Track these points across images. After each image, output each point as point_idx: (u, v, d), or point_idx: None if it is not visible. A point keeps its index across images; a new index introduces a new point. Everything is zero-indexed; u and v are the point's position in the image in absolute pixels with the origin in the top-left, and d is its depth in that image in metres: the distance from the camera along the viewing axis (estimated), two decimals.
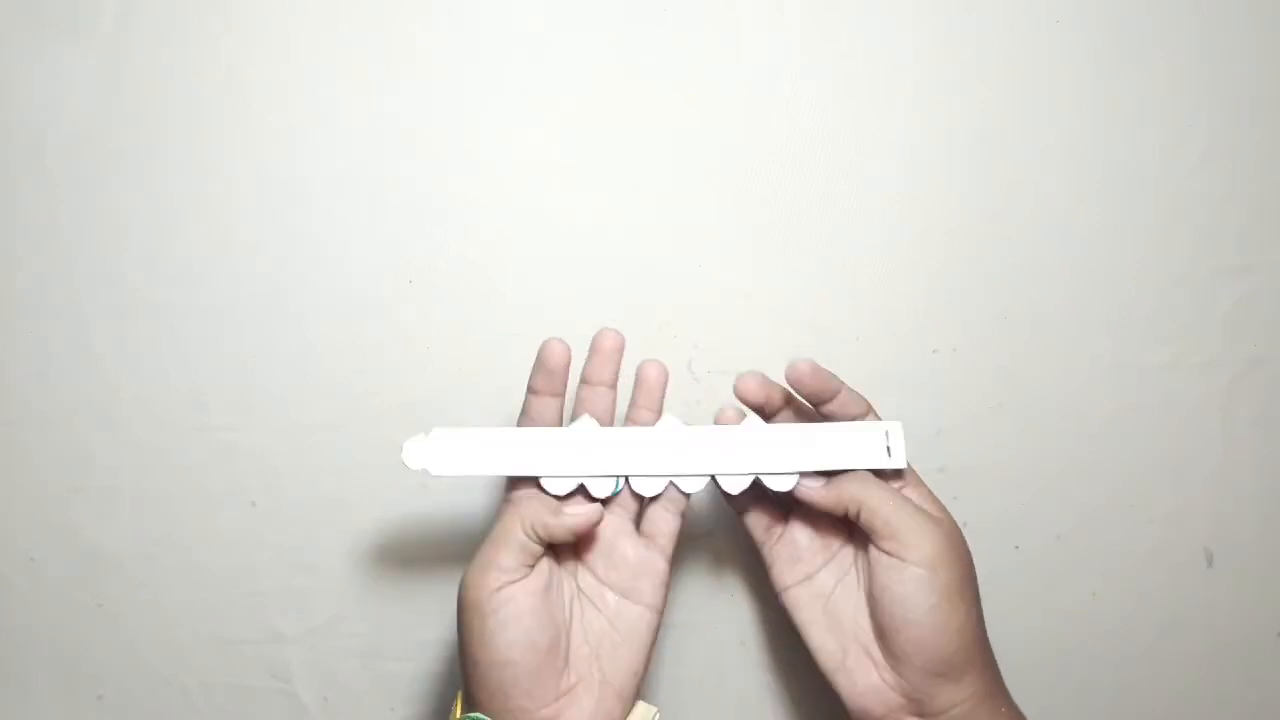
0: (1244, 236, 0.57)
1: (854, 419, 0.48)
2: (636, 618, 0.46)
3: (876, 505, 0.45)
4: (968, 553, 0.46)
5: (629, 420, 0.49)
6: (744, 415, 0.48)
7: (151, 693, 0.57)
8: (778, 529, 0.49)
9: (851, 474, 0.46)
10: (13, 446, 0.57)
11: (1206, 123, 0.57)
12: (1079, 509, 0.56)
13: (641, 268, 0.56)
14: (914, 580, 0.44)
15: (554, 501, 0.47)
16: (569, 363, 0.47)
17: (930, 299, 0.56)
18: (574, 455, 0.47)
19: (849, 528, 0.48)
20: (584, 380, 0.49)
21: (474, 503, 0.56)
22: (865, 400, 0.48)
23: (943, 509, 0.47)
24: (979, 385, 0.56)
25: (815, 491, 0.47)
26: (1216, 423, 0.57)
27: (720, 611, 0.56)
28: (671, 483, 0.47)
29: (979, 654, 0.45)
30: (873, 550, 0.45)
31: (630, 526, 0.48)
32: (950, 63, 0.56)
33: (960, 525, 0.47)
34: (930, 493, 0.48)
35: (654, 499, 0.48)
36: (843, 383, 0.47)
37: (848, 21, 0.56)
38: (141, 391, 0.56)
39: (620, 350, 0.49)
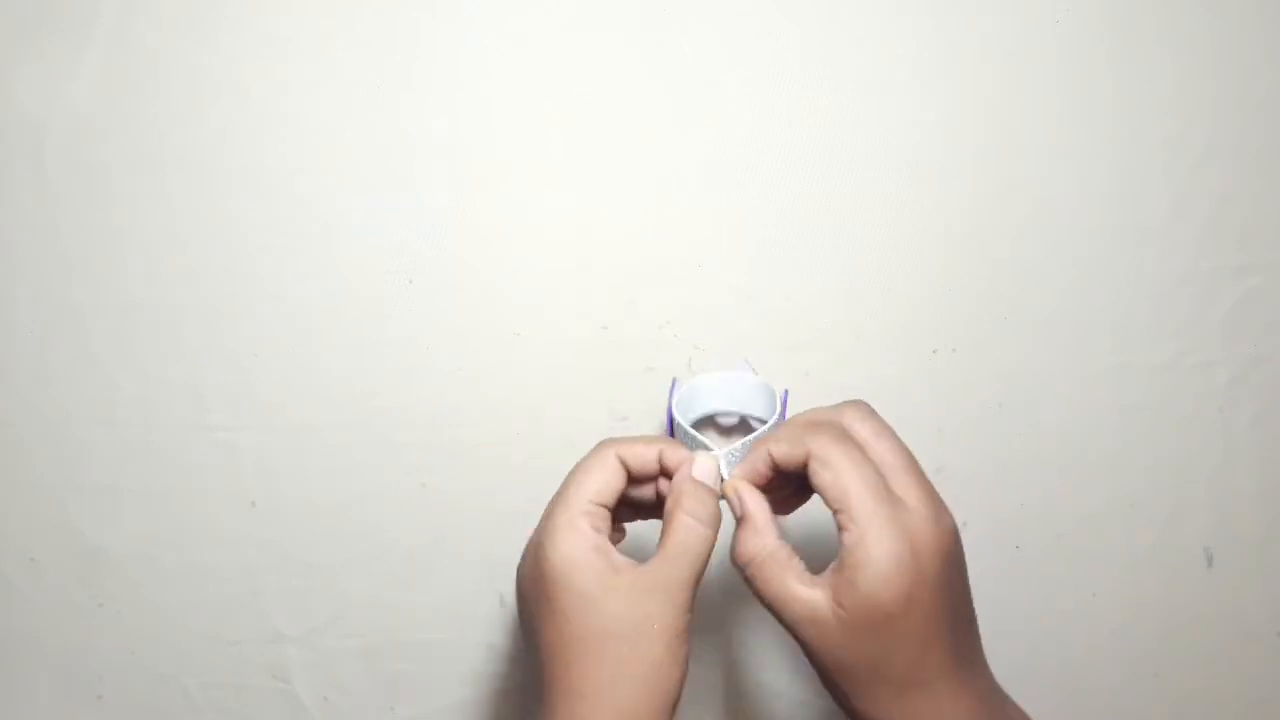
0: (1245, 236, 0.57)
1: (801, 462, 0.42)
2: None
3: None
4: (893, 596, 0.39)
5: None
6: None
7: (151, 693, 0.57)
8: None
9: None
10: (13, 446, 0.57)
11: (1207, 122, 0.56)
12: (1079, 509, 0.56)
13: (641, 268, 0.56)
14: None
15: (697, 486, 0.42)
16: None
17: (930, 299, 0.56)
18: None
19: None
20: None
21: (475, 502, 0.56)
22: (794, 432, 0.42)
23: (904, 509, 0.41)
24: (979, 385, 0.56)
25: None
26: (1216, 423, 0.57)
27: (720, 612, 0.56)
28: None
29: (908, 690, 0.40)
30: None
31: None
32: (950, 62, 0.56)
33: (960, 525, 0.43)
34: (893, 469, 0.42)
35: None
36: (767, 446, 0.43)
37: (848, 21, 0.56)
38: (141, 391, 0.56)
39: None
